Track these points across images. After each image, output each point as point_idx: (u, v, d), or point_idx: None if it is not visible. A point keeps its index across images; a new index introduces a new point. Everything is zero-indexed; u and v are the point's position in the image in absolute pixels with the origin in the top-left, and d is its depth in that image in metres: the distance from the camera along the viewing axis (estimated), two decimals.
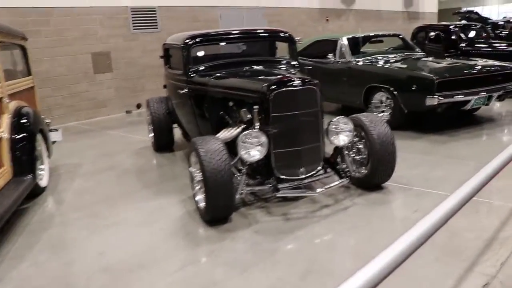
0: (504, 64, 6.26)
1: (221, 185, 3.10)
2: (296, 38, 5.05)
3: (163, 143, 5.58)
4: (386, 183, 3.88)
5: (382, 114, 6.17)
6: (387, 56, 6.83)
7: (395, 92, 5.85)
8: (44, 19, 7.82)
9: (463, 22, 10.12)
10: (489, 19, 13.50)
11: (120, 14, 8.88)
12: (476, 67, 6.01)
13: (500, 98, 6.24)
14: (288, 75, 3.59)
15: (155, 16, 9.48)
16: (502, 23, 13.37)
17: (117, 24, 8.83)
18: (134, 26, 9.09)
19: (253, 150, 3.30)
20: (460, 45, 9.07)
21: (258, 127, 3.43)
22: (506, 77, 6.16)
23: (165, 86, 5.63)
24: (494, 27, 12.74)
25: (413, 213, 3.40)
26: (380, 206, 3.57)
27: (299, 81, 3.45)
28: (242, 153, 3.26)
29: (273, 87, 3.43)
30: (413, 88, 5.61)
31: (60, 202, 4.16)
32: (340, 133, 3.61)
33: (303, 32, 11.97)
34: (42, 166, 4.42)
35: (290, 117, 3.44)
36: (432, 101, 5.40)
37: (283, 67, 4.64)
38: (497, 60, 8.17)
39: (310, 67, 7.52)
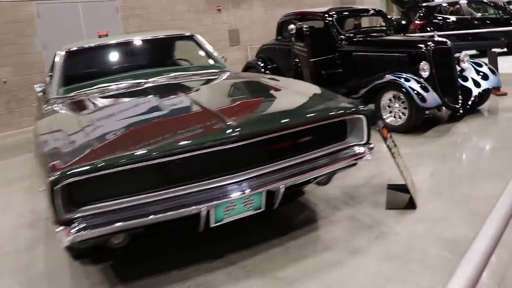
0: (330, 107, 2.88)
1: None
2: None
3: None
4: None
5: None
6: (146, 83, 3.60)
7: None
8: None
9: (374, 7, 6.90)
10: (427, 1, 10.10)
11: None
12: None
13: (322, 181, 3.02)
14: None
15: None
16: (445, 5, 10.04)
17: None
18: None
19: None
20: (339, 45, 5.78)
21: None
22: (328, 134, 2.81)
23: None
24: (429, 12, 9.44)
25: None
26: None
27: None
28: None
29: None
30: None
31: None
32: None
33: (180, 30, 8.82)
34: None
35: None
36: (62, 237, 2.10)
37: None
38: (389, 68, 5.03)
39: None
